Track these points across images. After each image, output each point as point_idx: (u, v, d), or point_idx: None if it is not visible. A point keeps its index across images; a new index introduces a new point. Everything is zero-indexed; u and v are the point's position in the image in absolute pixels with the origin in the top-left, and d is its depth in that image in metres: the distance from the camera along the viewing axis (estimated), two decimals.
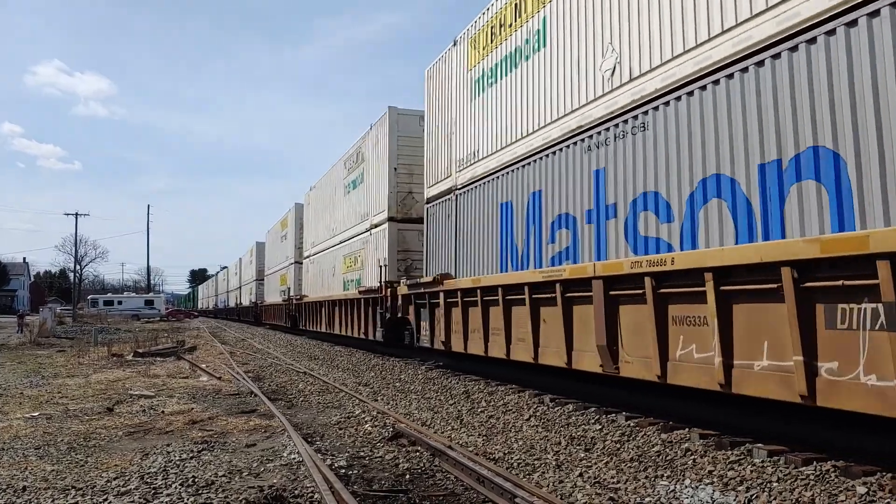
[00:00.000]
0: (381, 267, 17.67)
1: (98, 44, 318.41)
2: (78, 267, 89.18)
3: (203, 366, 17.87)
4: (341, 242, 23.51)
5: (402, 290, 16.22)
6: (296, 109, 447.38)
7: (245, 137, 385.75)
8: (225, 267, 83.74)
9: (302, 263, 31.66)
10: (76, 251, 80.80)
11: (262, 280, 47.11)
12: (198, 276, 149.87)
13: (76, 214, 67.70)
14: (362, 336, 20.00)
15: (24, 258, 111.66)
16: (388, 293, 17.04)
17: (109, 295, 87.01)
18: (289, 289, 34.32)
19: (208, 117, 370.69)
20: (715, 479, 5.86)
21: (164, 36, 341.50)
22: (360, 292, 19.81)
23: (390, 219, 17.91)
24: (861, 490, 5.17)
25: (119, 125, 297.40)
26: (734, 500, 5.37)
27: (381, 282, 17.57)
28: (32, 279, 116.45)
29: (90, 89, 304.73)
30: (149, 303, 73.89)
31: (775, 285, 6.00)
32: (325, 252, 26.15)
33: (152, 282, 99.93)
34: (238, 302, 61.78)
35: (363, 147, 21.07)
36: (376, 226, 19.06)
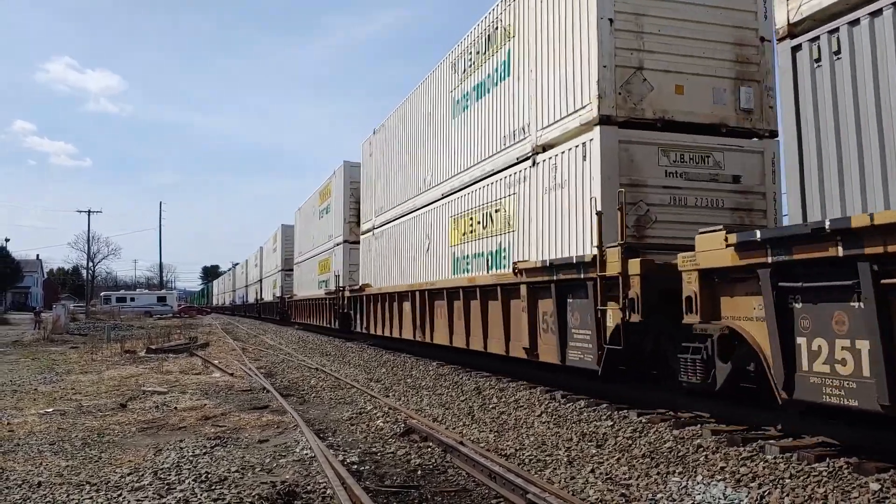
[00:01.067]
0: (598, 215, 8.61)
1: (107, 41, 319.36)
2: (91, 264, 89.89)
3: (215, 362, 17.98)
4: (446, 196, 15.15)
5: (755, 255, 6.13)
6: (299, 109, 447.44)
7: (249, 136, 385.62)
8: (237, 263, 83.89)
9: (357, 243, 24.31)
10: (89, 248, 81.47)
11: (291, 270, 39.90)
12: (210, 273, 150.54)
13: (88, 212, 68.28)
14: (528, 355, 10.78)
15: (38, 255, 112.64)
16: (638, 271, 8.06)
17: (122, 291, 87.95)
18: (337, 277, 26.21)
19: (213, 115, 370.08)
20: (727, 476, 5.84)
21: (171, 32, 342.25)
22: (518, 272, 10.75)
23: (603, 120, 9.13)
24: (874, 487, 5.14)
25: (128, 122, 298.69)
26: (746, 496, 5.35)
27: (600, 247, 8.48)
28: (46, 276, 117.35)
29: (100, 86, 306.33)
30: (161, 299, 74.51)
31: None
32: (409, 218, 17.87)
33: (165, 278, 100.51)
34: (259, 297, 55.03)
35: (506, 14, 12.22)
36: (551, 146, 10.42)
